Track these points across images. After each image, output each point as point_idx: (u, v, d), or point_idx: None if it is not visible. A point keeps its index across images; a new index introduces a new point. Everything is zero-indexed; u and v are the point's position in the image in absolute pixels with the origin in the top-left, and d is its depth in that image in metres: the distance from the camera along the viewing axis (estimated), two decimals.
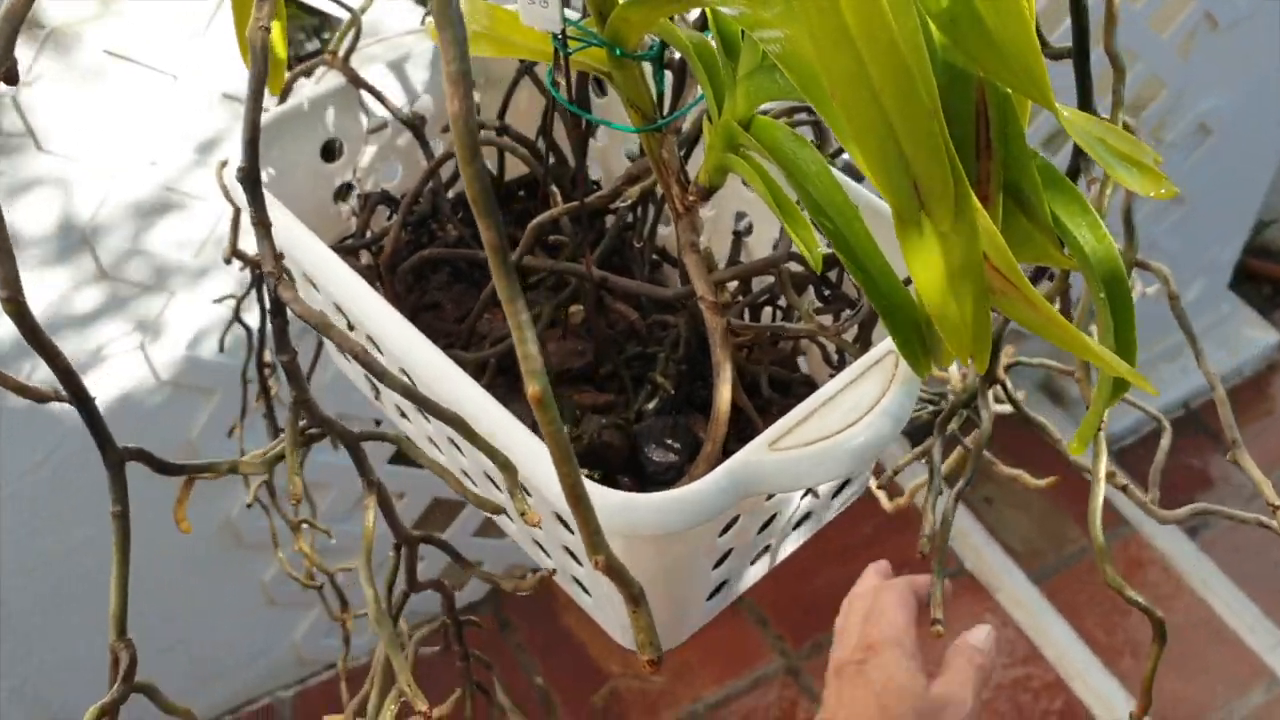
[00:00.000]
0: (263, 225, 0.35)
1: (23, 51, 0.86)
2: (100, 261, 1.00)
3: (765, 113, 0.43)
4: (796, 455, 0.39)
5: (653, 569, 0.43)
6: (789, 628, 1.56)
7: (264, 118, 0.50)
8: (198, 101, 0.96)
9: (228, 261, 0.58)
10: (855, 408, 0.39)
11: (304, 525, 0.55)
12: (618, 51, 0.43)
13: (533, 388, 0.27)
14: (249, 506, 0.53)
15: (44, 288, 0.98)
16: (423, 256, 0.55)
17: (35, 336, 0.32)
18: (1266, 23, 1.51)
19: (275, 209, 0.48)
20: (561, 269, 0.55)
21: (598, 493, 0.40)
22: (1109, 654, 1.59)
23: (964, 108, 0.34)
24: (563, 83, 0.47)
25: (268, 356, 0.68)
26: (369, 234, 0.58)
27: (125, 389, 1.09)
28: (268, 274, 0.35)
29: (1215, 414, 0.61)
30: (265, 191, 0.49)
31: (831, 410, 0.40)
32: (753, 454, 0.39)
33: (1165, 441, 0.57)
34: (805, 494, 0.48)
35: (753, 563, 0.50)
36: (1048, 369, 0.67)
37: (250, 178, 0.34)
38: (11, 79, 0.31)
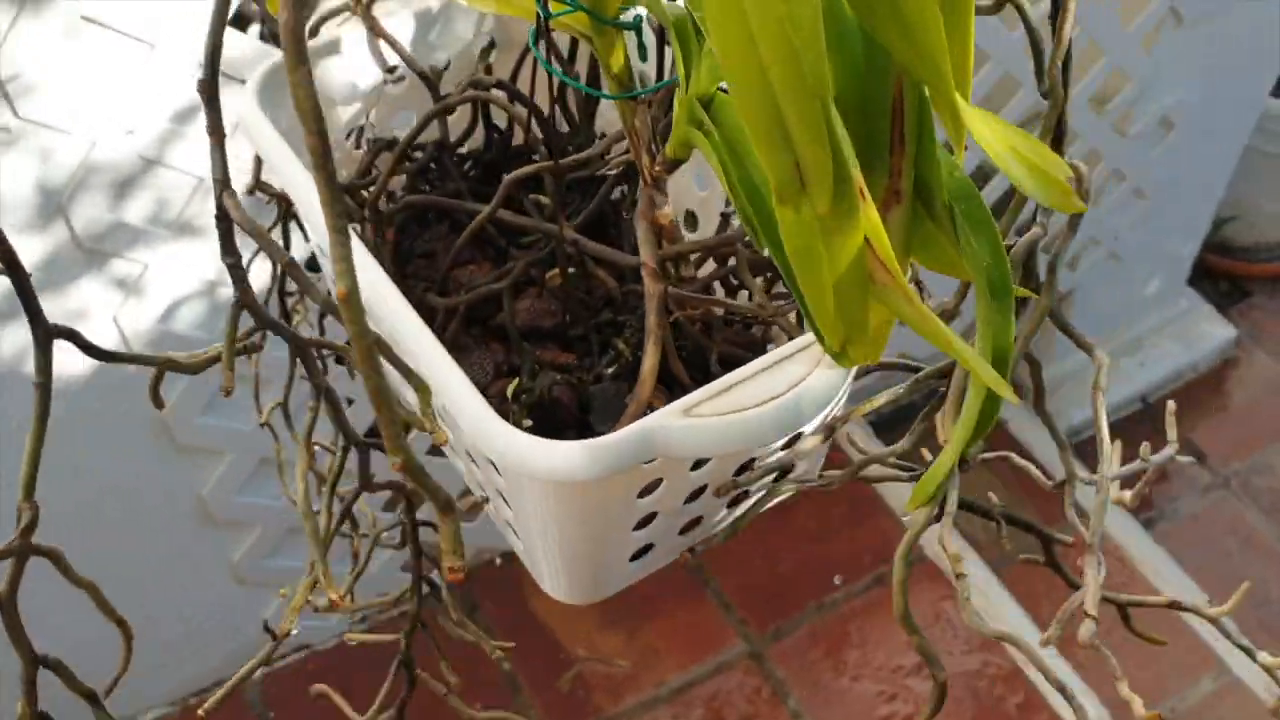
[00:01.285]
0: (217, 135, 0.37)
1: (1, 14, 0.86)
2: (75, 230, 0.99)
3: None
4: (705, 424, 0.40)
5: (567, 516, 0.45)
6: (753, 612, 1.57)
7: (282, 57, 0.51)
8: (175, 71, 0.96)
9: (250, 193, 0.60)
10: (774, 387, 0.41)
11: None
12: (598, 18, 0.44)
13: (340, 288, 0.27)
14: (262, 426, 0.55)
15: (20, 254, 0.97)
16: (408, 202, 0.56)
17: None
18: (1231, 19, 1.54)
19: (276, 141, 0.49)
20: (533, 226, 0.55)
21: (507, 434, 0.41)
22: (1065, 643, 1.62)
23: (880, 101, 0.34)
24: (543, 44, 0.48)
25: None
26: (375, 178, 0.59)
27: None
28: (215, 181, 0.38)
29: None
30: (271, 125, 0.50)
31: (752, 386, 0.41)
32: (666, 417, 0.41)
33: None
34: (738, 471, 0.49)
35: (682, 532, 0.51)
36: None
37: (209, 91, 0.37)
38: None
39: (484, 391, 0.43)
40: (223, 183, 0.38)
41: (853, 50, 0.32)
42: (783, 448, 0.48)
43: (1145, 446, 0.57)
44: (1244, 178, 1.93)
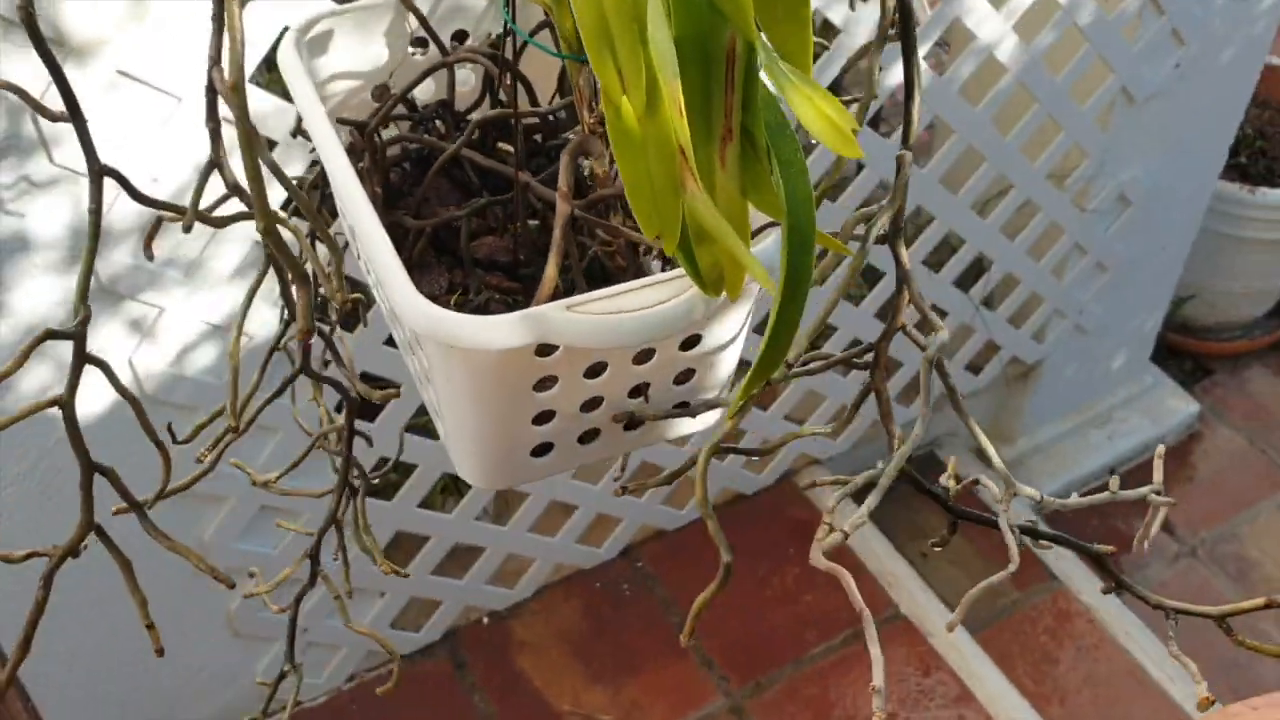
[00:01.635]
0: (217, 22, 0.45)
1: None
2: (99, 273, 1.05)
3: None
4: (581, 318, 0.47)
5: (472, 391, 0.51)
6: (733, 668, 1.61)
7: (324, 12, 0.60)
8: (199, 124, 1.03)
9: (294, 136, 0.65)
10: (646, 301, 0.47)
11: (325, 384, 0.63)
12: None
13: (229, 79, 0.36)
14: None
15: (45, 293, 1.03)
16: (398, 137, 0.62)
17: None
18: (1179, 101, 1.64)
19: (301, 81, 0.56)
20: (495, 168, 0.61)
21: (414, 299, 0.48)
22: (1038, 700, 1.66)
23: (717, 49, 0.40)
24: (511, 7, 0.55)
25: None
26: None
27: (111, 399, 1.14)
28: (209, 59, 0.45)
29: (1141, 479, 0.66)
30: (305, 70, 0.57)
31: (629, 297, 0.48)
32: (550, 309, 0.47)
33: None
34: (634, 395, 0.54)
35: (582, 441, 0.56)
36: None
37: None
38: None
39: (431, 300, 0.49)
40: (213, 59, 0.46)
41: (698, 5, 0.39)
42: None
43: (1115, 479, 0.59)
44: (1202, 258, 2.03)
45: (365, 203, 0.51)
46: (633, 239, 0.56)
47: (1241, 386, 2.23)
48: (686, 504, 1.72)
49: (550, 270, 0.50)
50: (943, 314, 1.73)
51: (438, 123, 0.64)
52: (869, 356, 0.55)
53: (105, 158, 0.88)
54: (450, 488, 1.56)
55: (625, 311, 0.46)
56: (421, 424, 1.39)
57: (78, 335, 0.48)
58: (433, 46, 0.62)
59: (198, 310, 1.14)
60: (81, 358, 0.49)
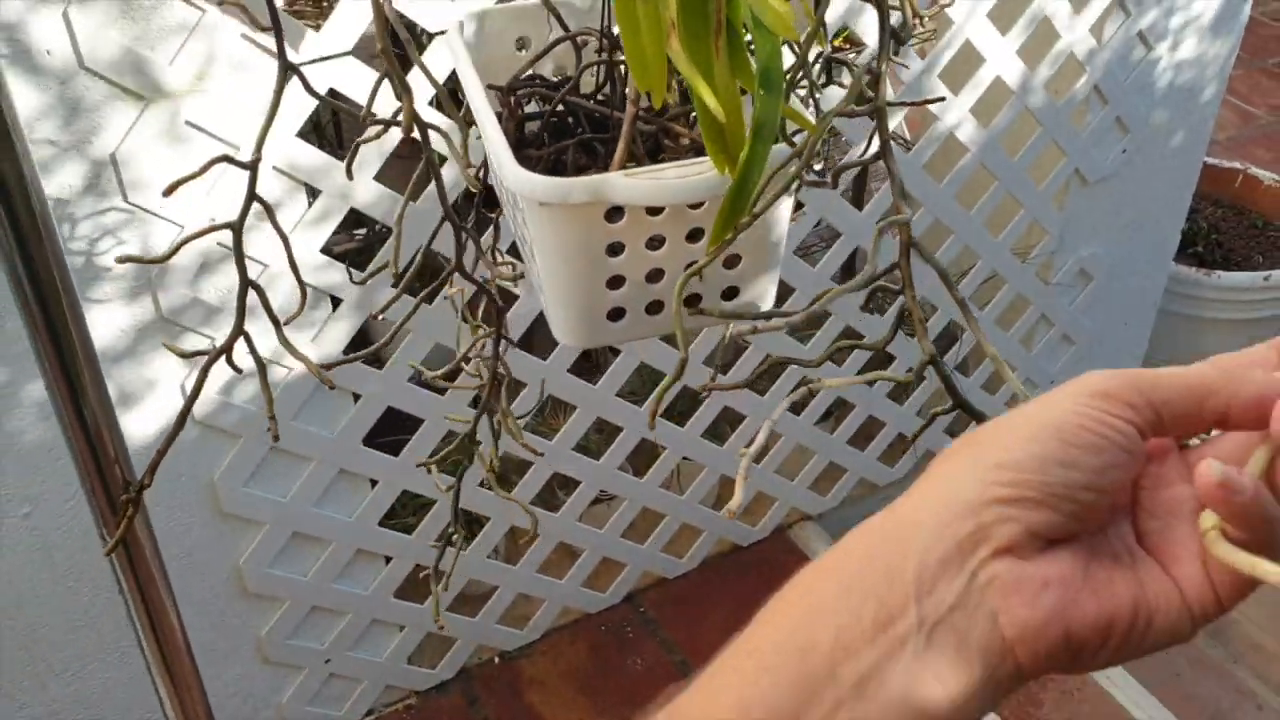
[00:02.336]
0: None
1: (125, 115, 1.11)
2: (160, 304, 1.21)
3: None
4: (635, 181, 0.61)
5: (553, 247, 0.64)
6: None
7: (481, 7, 0.77)
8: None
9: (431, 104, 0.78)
10: (687, 173, 0.61)
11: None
12: None
13: None
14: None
15: (112, 320, 1.19)
16: (524, 83, 0.76)
17: None
18: (1130, 182, 1.81)
19: (462, 60, 0.72)
20: (592, 109, 0.74)
21: (514, 167, 0.62)
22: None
23: None
24: None
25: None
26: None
27: (163, 422, 1.28)
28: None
29: None
30: (466, 50, 0.73)
31: (673, 169, 0.62)
32: (611, 175, 0.61)
33: None
34: (690, 272, 0.65)
35: (649, 312, 0.68)
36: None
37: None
38: None
39: None
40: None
41: None
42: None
43: None
44: (1166, 338, 2.18)
45: (493, 119, 0.66)
46: (691, 140, 0.70)
47: None
48: (686, 553, 1.84)
49: (620, 150, 0.65)
50: (920, 380, 1.87)
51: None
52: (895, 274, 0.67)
53: (168, 201, 1.07)
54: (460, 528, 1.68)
55: (670, 178, 0.61)
56: None
57: (252, 166, 0.65)
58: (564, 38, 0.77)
59: (245, 344, 1.29)
60: (253, 191, 0.65)
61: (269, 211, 0.68)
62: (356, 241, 1.74)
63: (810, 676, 0.38)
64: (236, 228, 0.66)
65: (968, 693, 0.38)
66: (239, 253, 0.66)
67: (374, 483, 1.49)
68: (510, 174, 0.62)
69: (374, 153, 1.25)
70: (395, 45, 0.62)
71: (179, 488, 1.35)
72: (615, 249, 0.64)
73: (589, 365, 1.71)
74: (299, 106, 1.19)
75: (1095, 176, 1.76)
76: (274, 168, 1.21)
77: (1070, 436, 0.40)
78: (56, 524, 1.29)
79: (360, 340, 1.39)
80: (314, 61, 0.77)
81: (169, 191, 0.67)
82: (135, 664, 1.44)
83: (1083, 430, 0.40)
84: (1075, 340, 1.97)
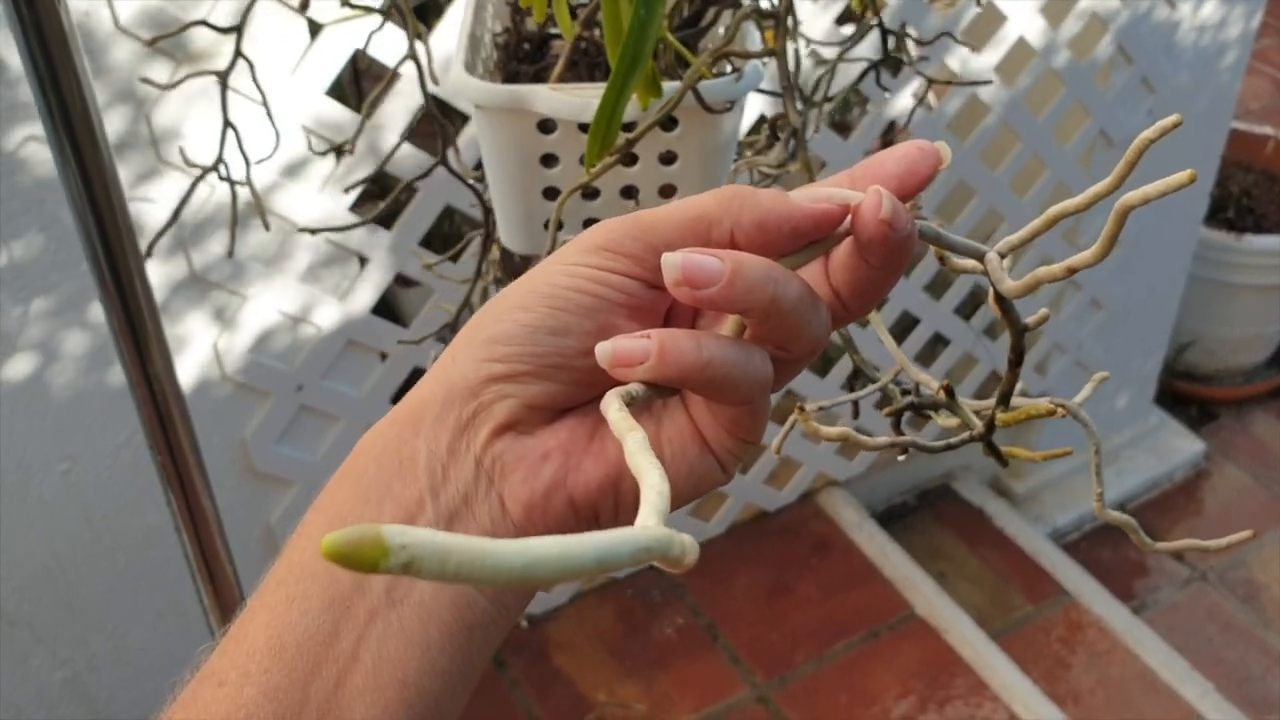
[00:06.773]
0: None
1: (161, 73, 1.13)
2: (192, 262, 1.24)
3: None
4: (553, 94, 0.63)
5: (491, 146, 0.67)
6: (759, 664, 1.73)
7: None
8: (286, 132, 1.22)
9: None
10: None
11: None
12: None
13: None
14: None
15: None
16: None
17: None
18: (1156, 144, 1.80)
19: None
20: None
21: (462, 73, 0.65)
22: (1052, 698, 1.76)
23: None
24: None
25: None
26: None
27: (195, 378, 1.31)
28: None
29: (1150, 515, 0.75)
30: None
31: (593, 90, 0.63)
32: (538, 86, 0.64)
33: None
34: (627, 197, 0.68)
35: (586, 226, 0.70)
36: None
37: None
38: None
39: None
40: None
41: None
42: None
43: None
44: (1197, 304, 2.17)
45: (465, 30, 0.69)
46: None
47: (1246, 429, 2.34)
48: (713, 518, 1.85)
49: (559, 67, 0.67)
50: (945, 342, 1.88)
51: None
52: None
53: (203, 158, 1.07)
54: None
55: (588, 96, 0.63)
56: None
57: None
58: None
59: (273, 298, 1.31)
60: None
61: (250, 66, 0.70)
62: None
63: (339, 596, 0.37)
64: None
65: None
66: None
67: None
68: (453, 77, 0.65)
69: (401, 110, 1.27)
70: None
71: (211, 447, 1.37)
72: (550, 161, 0.66)
73: None
74: (327, 64, 1.21)
75: (1120, 137, 1.76)
76: (303, 126, 1.23)
77: (561, 302, 0.37)
78: (95, 482, 1.31)
79: (383, 308, 1.41)
80: None
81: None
82: (171, 624, 1.47)
83: (574, 292, 0.38)
84: (1103, 305, 1.97)
